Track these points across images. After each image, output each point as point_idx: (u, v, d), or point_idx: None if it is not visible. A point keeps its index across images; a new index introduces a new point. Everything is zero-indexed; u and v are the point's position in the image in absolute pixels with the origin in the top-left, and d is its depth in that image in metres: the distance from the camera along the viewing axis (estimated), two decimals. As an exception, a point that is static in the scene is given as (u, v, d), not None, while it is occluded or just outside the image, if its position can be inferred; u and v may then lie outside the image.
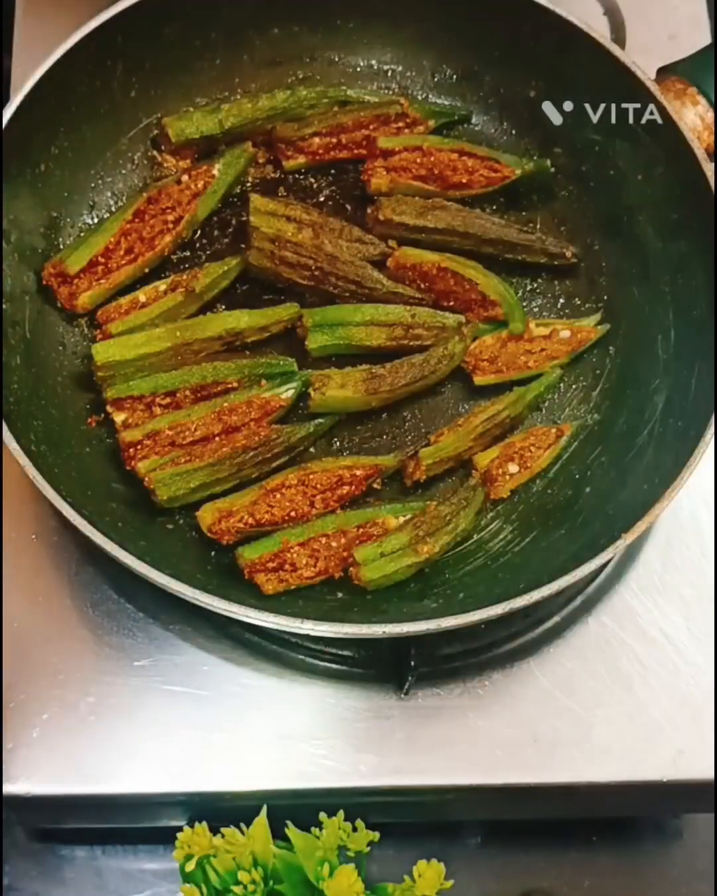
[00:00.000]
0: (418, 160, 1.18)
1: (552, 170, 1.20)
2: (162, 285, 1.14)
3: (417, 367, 1.12)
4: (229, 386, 1.09)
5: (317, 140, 1.20)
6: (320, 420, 1.11)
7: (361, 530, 1.06)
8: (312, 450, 1.12)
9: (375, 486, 1.10)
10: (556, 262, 1.19)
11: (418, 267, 1.15)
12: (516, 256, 1.18)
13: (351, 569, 1.05)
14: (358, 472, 1.08)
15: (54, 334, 1.13)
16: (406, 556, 1.04)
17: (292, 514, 1.06)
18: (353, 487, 1.08)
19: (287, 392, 1.10)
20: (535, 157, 1.21)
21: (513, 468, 1.11)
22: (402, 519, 1.07)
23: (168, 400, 1.09)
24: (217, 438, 1.07)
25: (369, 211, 1.18)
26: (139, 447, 1.06)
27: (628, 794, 1.07)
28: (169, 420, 1.07)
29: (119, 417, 1.08)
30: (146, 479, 1.04)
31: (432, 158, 1.18)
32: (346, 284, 1.14)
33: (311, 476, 1.07)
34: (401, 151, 1.18)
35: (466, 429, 1.11)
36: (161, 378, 1.08)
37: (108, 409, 1.08)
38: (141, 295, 1.13)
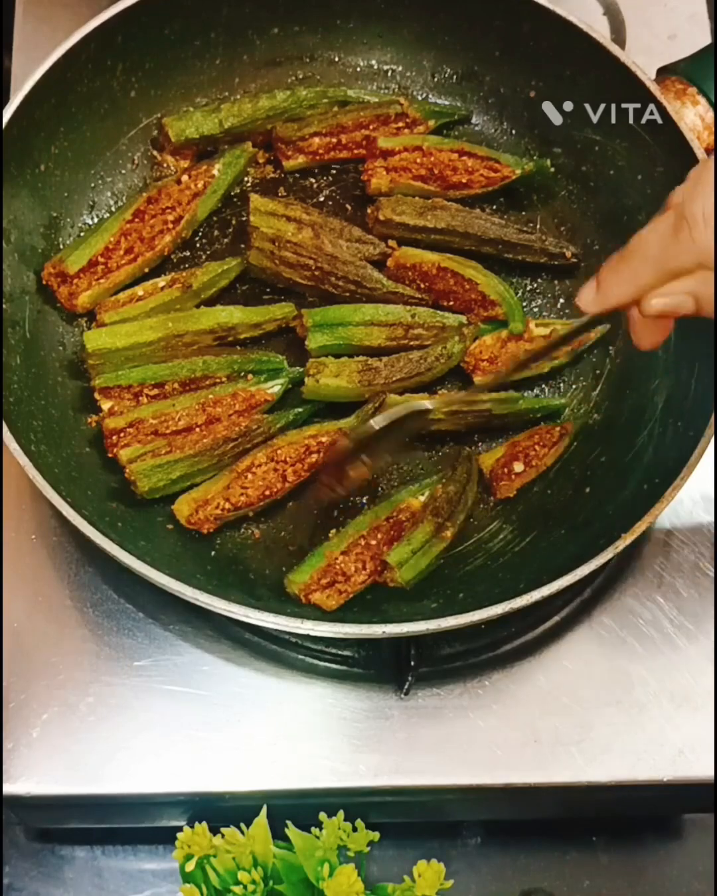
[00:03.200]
0: (418, 160, 1.18)
1: (552, 170, 1.20)
2: (161, 282, 1.14)
3: (413, 363, 1.12)
4: (218, 381, 1.09)
5: (317, 140, 1.20)
6: (299, 409, 1.10)
7: (390, 520, 1.06)
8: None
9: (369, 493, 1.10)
10: (556, 262, 1.19)
11: (418, 267, 1.15)
12: (516, 256, 1.18)
13: (386, 573, 1.04)
14: (323, 439, 1.08)
15: (54, 334, 1.13)
16: (435, 546, 1.04)
17: (267, 492, 1.05)
18: (321, 455, 1.08)
19: (274, 388, 1.10)
20: (535, 157, 1.22)
21: (519, 467, 1.11)
22: (422, 497, 1.08)
23: (156, 392, 1.09)
24: (199, 429, 1.07)
25: (369, 211, 1.18)
26: (122, 435, 1.06)
27: (628, 794, 1.07)
28: (153, 409, 1.07)
29: (105, 405, 1.08)
30: (127, 470, 1.04)
31: (432, 158, 1.18)
32: (346, 284, 1.14)
33: (278, 451, 1.07)
34: (401, 151, 1.18)
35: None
36: (150, 369, 1.08)
37: (96, 396, 1.08)
38: (140, 290, 1.13)
